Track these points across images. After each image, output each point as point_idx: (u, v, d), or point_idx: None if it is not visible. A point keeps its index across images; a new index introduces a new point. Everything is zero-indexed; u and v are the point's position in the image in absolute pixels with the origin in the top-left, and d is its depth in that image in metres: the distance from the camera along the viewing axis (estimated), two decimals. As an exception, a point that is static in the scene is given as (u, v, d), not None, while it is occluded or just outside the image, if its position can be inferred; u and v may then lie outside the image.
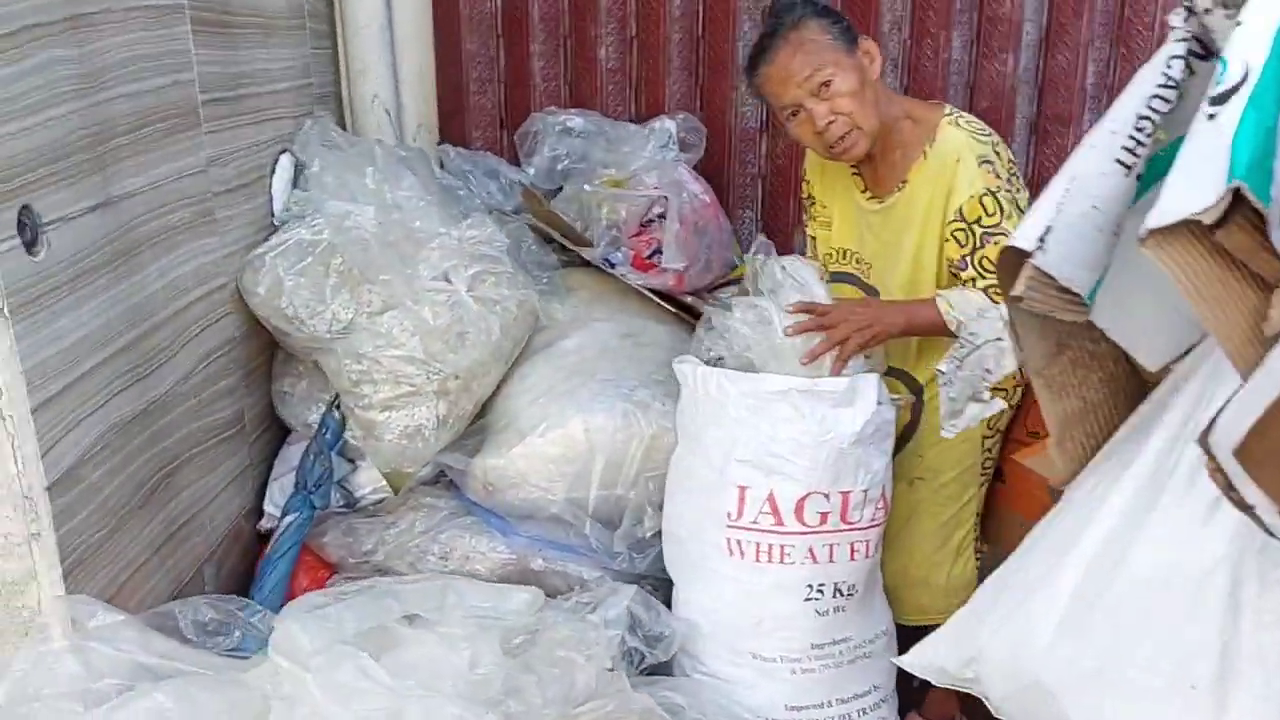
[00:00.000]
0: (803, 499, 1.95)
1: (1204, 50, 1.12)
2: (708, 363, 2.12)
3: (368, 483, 2.39)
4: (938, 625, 2.33)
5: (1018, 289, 1.10)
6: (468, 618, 1.66)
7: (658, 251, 2.59)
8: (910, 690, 2.37)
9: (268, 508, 2.46)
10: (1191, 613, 1.15)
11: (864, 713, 2.08)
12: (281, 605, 2.23)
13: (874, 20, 2.88)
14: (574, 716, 1.63)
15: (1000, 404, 1.70)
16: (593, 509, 2.25)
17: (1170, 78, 1.12)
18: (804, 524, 1.96)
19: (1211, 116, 0.97)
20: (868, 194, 2.23)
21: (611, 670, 1.76)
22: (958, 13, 2.89)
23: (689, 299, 2.59)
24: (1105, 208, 1.11)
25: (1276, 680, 1.11)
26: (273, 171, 2.54)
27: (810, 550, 1.97)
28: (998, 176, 2.05)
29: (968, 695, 2.44)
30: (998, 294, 2.07)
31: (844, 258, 2.29)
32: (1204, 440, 0.96)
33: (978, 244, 2.07)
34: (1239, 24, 1.01)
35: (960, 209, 2.06)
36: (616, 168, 2.73)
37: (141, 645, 1.62)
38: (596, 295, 2.62)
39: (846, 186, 2.27)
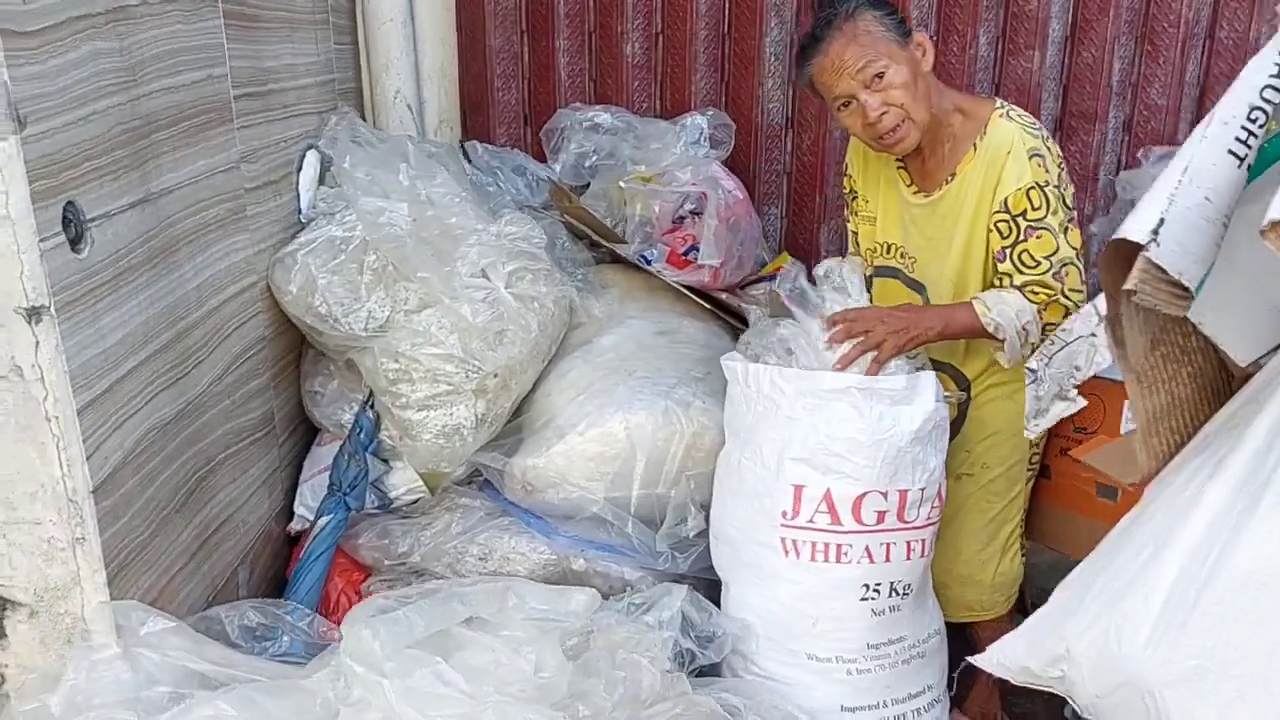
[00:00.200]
0: (860, 498, 1.93)
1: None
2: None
3: (402, 483, 2.36)
4: (982, 622, 2.36)
5: (1131, 282, 1.08)
6: (528, 620, 1.63)
7: (693, 248, 2.56)
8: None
9: (298, 510, 2.42)
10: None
11: (919, 713, 2.06)
12: (317, 608, 2.20)
13: (901, 16, 2.86)
14: None
15: (1084, 402, 1.68)
16: (634, 508, 2.22)
17: (1282, 66, 1.10)
18: (861, 523, 1.94)
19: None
20: (913, 188, 2.21)
21: (670, 672, 1.73)
22: (984, 9, 2.89)
23: (723, 295, 2.57)
24: (1217, 199, 1.09)
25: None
26: (299, 168, 2.50)
27: (867, 549, 1.95)
28: (1046, 171, 2.04)
29: (1006, 694, 2.46)
30: (1034, 292, 2.06)
31: (888, 252, 2.27)
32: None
33: (1020, 237, 2.06)
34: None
35: (1006, 200, 2.04)
36: (646, 164, 2.70)
37: (194, 651, 1.58)
38: (627, 292, 2.59)
39: (891, 180, 2.25)
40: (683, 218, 2.63)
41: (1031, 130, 2.07)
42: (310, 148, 2.55)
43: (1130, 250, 1.12)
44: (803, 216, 3.10)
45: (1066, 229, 2.05)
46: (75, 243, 1.62)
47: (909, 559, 2.00)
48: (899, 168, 2.24)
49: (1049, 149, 2.07)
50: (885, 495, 1.94)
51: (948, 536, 2.16)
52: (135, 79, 1.79)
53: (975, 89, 2.92)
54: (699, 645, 1.93)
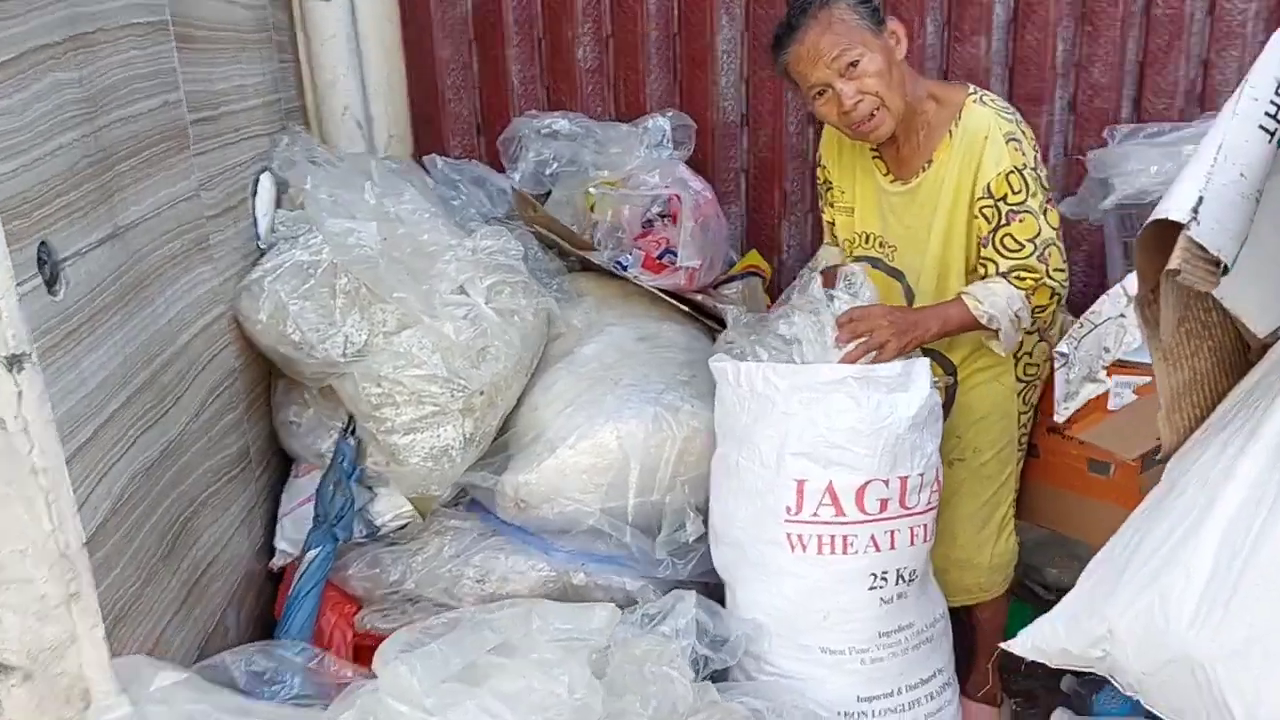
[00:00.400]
0: (863, 487, 1.93)
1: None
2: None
3: (388, 509, 2.29)
4: (980, 604, 2.38)
5: (1174, 262, 1.08)
6: (553, 641, 1.59)
7: (667, 251, 2.54)
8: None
9: (280, 545, 2.34)
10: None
11: (931, 697, 2.07)
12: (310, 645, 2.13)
13: (849, 7, 2.87)
14: (681, 733, 1.57)
15: (1111, 383, 1.71)
16: (631, 517, 2.19)
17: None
18: (865, 512, 1.94)
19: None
20: (890, 176, 2.22)
21: (696, 681, 1.71)
22: (930, -3, 2.91)
23: (699, 297, 2.56)
24: (1250, 174, 1.10)
25: None
26: (254, 193, 2.42)
27: (872, 538, 1.96)
28: (1024, 155, 2.06)
29: (1008, 674, 2.48)
30: (1020, 277, 2.08)
31: (867, 242, 2.27)
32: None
33: (1002, 220, 2.08)
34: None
35: (989, 185, 2.06)
36: (609, 169, 2.67)
37: (209, 703, 1.51)
38: (602, 299, 2.56)
39: (867, 170, 2.26)
40: (651, 221, 2.61)
41: (1006, 115, 2.09)
42: (264, 170, 2.47)
43: (1160, 230, 1.13)
44: (762, 213, 3.09)
45: (1046, 210, 2.08)
46: (51, 284, 1.54)
47: (913, 545, 2.01)
48: (874, 156, 2.25)
49: (1024, 133, 2.09)
50: (887, 483, 1.94)
51: (943, 522, 2.18)
52: (96, 109, 1.71)
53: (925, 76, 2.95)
54: (712, 649, 1.91)
